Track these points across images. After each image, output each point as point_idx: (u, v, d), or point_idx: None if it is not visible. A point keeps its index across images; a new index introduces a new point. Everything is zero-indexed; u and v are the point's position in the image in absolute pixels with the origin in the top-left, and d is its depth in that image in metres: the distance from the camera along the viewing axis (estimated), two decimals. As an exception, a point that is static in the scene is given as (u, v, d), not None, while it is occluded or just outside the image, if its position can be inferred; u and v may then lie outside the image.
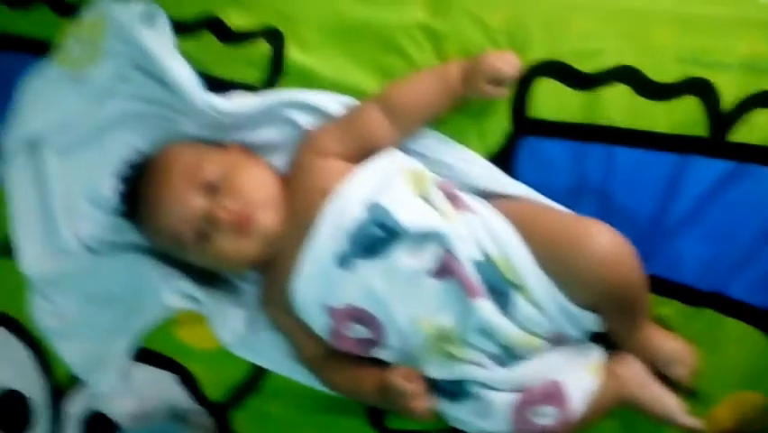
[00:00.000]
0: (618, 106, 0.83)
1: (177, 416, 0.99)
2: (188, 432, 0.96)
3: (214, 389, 0.98)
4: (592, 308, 0.79)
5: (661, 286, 0.83)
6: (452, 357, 0.78)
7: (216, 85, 0.93)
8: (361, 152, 0.84)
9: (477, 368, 0.78)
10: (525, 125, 0.85)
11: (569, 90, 0.84)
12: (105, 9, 0.94)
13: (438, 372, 0.80)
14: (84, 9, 0.98)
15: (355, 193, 0.80)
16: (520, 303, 0.77)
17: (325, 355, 0.87)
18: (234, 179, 0.82)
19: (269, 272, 0.87)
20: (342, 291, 0.79)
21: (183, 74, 0.91)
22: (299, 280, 0.81)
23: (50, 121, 0.97)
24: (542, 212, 0.82)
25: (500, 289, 0.77)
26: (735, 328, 0.82)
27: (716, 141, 0.81)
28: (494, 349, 0.78)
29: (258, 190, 0.83)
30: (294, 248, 0.81)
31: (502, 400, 0.78)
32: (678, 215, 0.82)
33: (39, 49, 1.01)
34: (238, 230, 0.81)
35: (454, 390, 0.80)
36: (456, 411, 0.82)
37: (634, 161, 0.83)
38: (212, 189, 0.82)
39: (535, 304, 0.77)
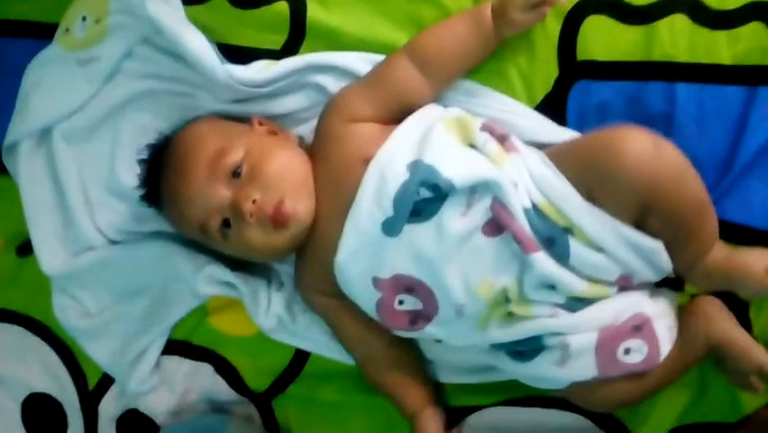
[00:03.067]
0: (677, 40, 0.75)
1: (217, 408, 0.94)
2: (232, 424, 0.90)
3: (256, 377, 0.92)
4: (649, 231, 0.70)
5: (732, 232, 0.75)
6: (515, 317, 0.71)
7: (234, 54, 0.86)
8: (396, 112, 0.77)
9: (546, 319, 0.70)
10: (575, 69, 0.78)
11: (621, 26, 0.76)
12: None
13: (503, 335, 0.72)
14: None
15: (395, 154, 0.72)
16: (578, 248, 0.69)
17: (370, 350, 0.81)
18: (261, 164, 0.75)
19: (306, 253, 0.80)
20: (390, 261, 0.72)
21: (198, 45, 0.83)
22: (344, 254, 0.73)
23: (58, 108, 0.91)
24: (574, 143, 0.74)
25: (554, 236, 0.69)
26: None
27: None
28: (560, 300, 0.71)
29: (288, 176, 0.75)
30: (334, 223, 0.74)
31: (584, 341, 0.71)
32: (749, 153, 0.74)
33: (43, 33, 0.94)
34: (271, 225, 0.74)
35: (526, 348, 0.72)
36: (532, 369, 0.74)
37: (697, 99, 0.75)
38: (237, 177, 0.75)
39: (593, 243, 0.69)
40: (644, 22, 0.75)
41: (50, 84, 0.91)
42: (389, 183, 0.71)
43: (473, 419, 0.86)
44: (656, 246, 0.69)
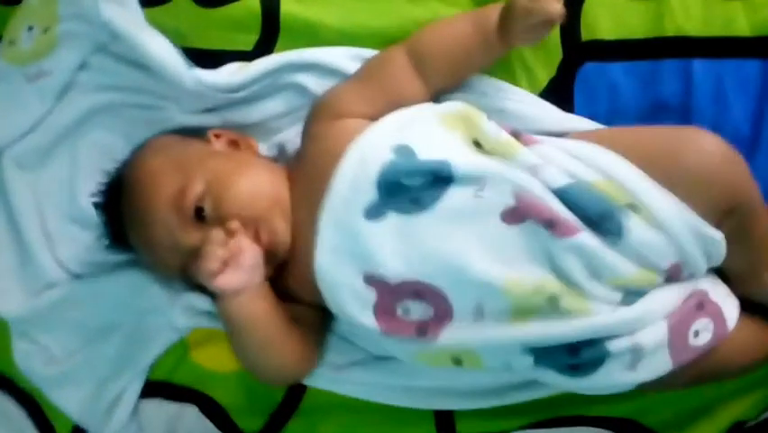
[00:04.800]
0: (690, 13, 0.72)
1: None
2: None
3: (248, 417, 0.84)
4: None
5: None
6: (561, 312, 0.63)
7: (202, 58, 0.80)
8: (388, 112, 0.71)
9: (607, 315, 0.63)
10: (581, 50, 0.73)
11: (628, 1, 0.72)
12: None
13: (548, 331, 0.63)
14: None
15: (378, 138, 0.67)
16: (637, 227, 0.63)
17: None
18: (225, 196, 0.69)
19: (285, 267, 0.73)
20: (382, 254, 0.64)
21: (160, 50, 0.78)
22: (323, 254, 0.66)
23: (7, 130, 0.85)
24: (626, 132, 0.69)
25: (605, 212, 0.62)
26: None
27: None
28: (610, 294, 0.64)
29: (255, 203, 0.70)
30: (310, 226, 0.67)
31: (656, 336, 0.64)
32: None
33: None
34: None
35: (585, 360, 0.64)
36: (595, 382, 0.66)
37: (715, 75, 0.72)
38: (203, 216, 0.70)
39: (657, 223, 0.63)
40: None
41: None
42: (370, 165, 0.65)
43: None
44: (718, 236, 0.65)
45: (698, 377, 0.70)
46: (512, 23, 0.67)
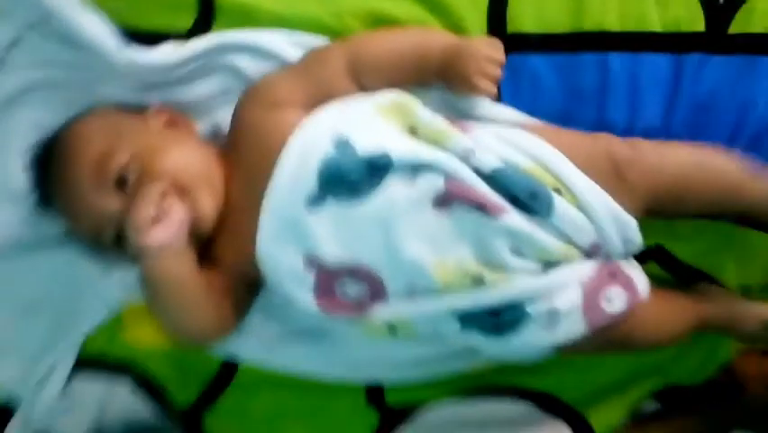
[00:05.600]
0: (607, 8, 0.74)
1: (138, 429, 0.86)
2: None
3: (181, 391, 0.86)
4: (656, 212, 0.72)
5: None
6: (484, 285, 0.66)
7: (138, 38, 0.78)
8: (321, 104, 0.72)
9: (527, 279, 0.67)
10: (506, 42, 0.74)
11: None
12: None
13: (474, 300, 0.67)
14: None
15: (319, 129, 0.69)
16: (564, 207, 0.67)
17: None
18: (151, 168, 0.70)
19: (216, 252, 0.73)
20: (321, 238, 0.66)
21: (93, 27, 0.77)
22: (265, 240, 0.68)
23: None
24: (554, 130, 0.73)
25: (535, 192, 0.66)
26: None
27: (715, 35, 0.73)
28: (531, 266, 0.67)
29: (183, 177, 0.70)
30: (251, 209, 0.69)
31: (569, 300, 0.68)
32: (682, 119, 0.74)
33: None
34: None
35: (505, 319, 0.68)
36: (515, 342, 0.70)
37: (630, 68, 0.74)
38: (125, 183, 0.70)
39: (582, 206, 0.68)
40: None
41: None
42: (312, 156, 0.67)
43: (419, 417, 0.83)
44: (633, 222, 0.70)
45: (614, 343, 0.73)
46: (458, 73, 0.69)
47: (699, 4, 0.73)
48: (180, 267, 0.69)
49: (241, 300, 0.76)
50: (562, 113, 0.75)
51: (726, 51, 0.73)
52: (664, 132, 0.74)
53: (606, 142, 0.71)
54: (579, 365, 0.81)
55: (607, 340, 0.72)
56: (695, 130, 0.74)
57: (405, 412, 0.84)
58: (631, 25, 0.74)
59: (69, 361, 0.84)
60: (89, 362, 0.85)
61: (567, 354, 0.73)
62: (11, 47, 0.81)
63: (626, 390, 0.84)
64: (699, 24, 0.73)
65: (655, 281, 0.75)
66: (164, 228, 0.67)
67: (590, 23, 0.74)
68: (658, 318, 0.74)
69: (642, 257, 0.76)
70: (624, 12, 0.74)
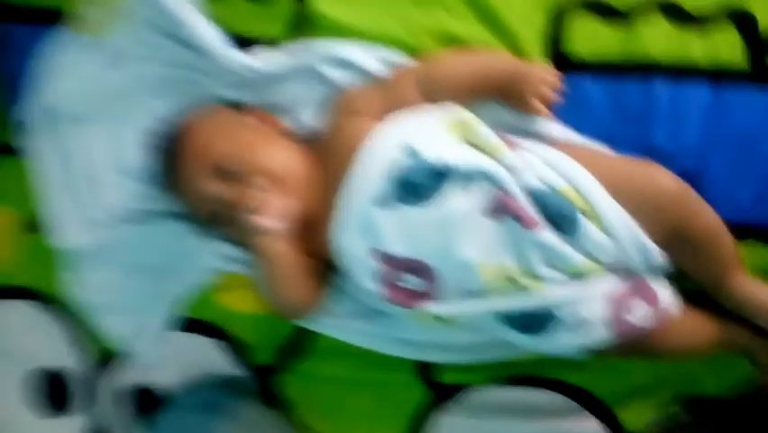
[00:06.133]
0: (655, 40, 0.80)
1: (223, 383, 0.96)
2: (236, 399, 0.93)
3: (261, 352, 0.95)
4: (665, 247, 0.77)
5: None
6: (521, 290, 0.74)
7: (240, 42, 0.88)
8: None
9: (556, 289, 0.74)
10: (560, 62, 0.81)
11: (604, 25, 0.81)
12: None
13: (511, 305, 0.75)
14: None
15: (390, 138, 0.77)
16: (589, 228, 0.74)
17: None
18: (248, 160, 0.80)
19: (306, 237, 0.82)
20: (388, 236, 0.75)
21: (207, 33, 0.87)
22: (340, 228, 0.78)
23: (71, 90, 0.93)
24: (599, 154, 0.80)
25: (567, 214, 0.73)
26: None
27: (756, 69, 0.78)
28: (560, 277, 0.75)
29: (277, 172, 0.80)
30: (330, 203, 0.78)
31: (593, 310, 0.75)
32: (720, 147, 0.79)
33: (52, 19, 0.95)
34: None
35: (538, 322, 0.75)
36: (541, 341, 0.78)
37: (672, 94, 0.80)
38: (227, 173, 0.80)
39: (606, 229, 0.74)
40: (625, 21, 0.80)
41: (63, 65, 0.92)
42: (382, 161, 0.75)
43: (465, 397, 0.90)
44: (654, 247, 0.76)
45: (640, 351, 0.80)
46: (517, 94, 0.77)
47: (740, 39, 0.78)
48: (282, 247, 0.78)
49: (322, 281, 0.85)
50: (608, 132, 0.80)
51: (765, 84, 0.78)
52: (702, 156, 0.79)
53: (651, 172, 0.76)
54: (612, 365, 0.85)
55: (632, 347, 0.78)
56: (733, 157, 0.79)
57: (452, 391, 0.90)
58: (675, 55, 0.79)
59: (170, 318, 0.94)
60: (187, 321, 0.94)
61: (598, 355, 0.79)
62: (135, 43, 0.90)
63: (656, 392, 0.87)
64: (739, 57, 0.78)
65: (686, 296, 0.80)
66: (272, 214, 0.77)
67: (638, 50, 0.80)
68: (682, 332, 0.79)
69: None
70: (669, 42, 0.79)
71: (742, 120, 0.78)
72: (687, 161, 0.79)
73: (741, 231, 0.80)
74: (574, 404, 0.88)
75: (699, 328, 0.81)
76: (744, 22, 0.78)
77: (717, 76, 0.79)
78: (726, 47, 0.78)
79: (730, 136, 0.79)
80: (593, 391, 0.88)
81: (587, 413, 0.88)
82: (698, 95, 0.79)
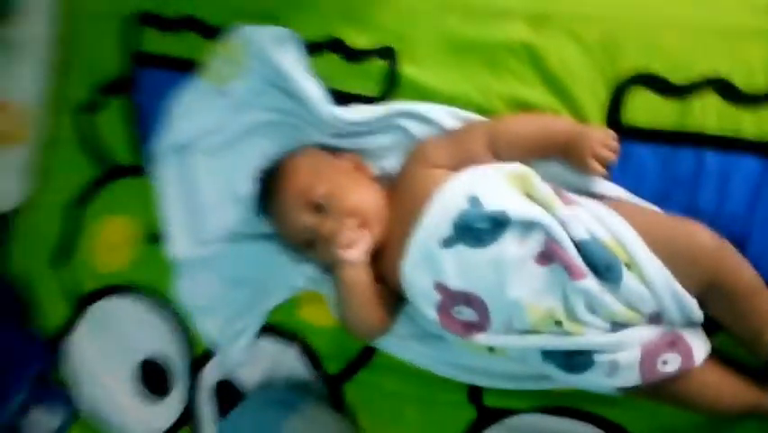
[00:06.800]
0: (709, 114, 0.83)
1: (296, 385, 1.04)
2: (305, 400, 1.00)
3: (331, 362, 1.03)
4: (704, 301, 0.79)
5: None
6: (564, 332, 0.79)
7: (339, 97, 0.98)
8: (464, 167, 0.87)
9: (596, 335, 0.78)
10: (620, 131, 0.86)
11: (661, 99, 0.85)
12: (247, 33, 1.02)
13: (554, 344, 0.80)
14: (226, 32, 1.05)
15: (458, 188, 0.83)
16: (630, 279, 0.77)
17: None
18: (341, 200, 0.88)
19: (378, 267, 0.90)
20: (449, 272, 0.81)
21: (311, 88, 0.97)
22: (408, 262, 0.84)
23: (200, 128, 1.05)
24: (646, 210, 0.83)
25: (610, 265, 0.77)
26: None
27: None
28: (600, 324, 0.78)
29: (360, 212, 0.88)
30: (401, 240, 0.85)
31: (628, 357, 0.78)
32: (763, 217, 0.82)
33: (185, 67, 1.09)
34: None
35: (577, 362, 0.80)
36: (579, 379, 0.82)
37: (722, 165, 0.83)
38: (320, 208, 0.88)
39: (646, 281, 0.77)
40: (681, 96, 0.84)
41: (193, 108, 1.05)
42: (450, 208, 0.81)
43: (509, 421, 0.94)
44: (690, 300, 0.78)
45: (674, 399, 0.82)
46: (576, 154, 0.82)
47: None
48: (363, 277, 0.86)
49: (391, 308, 0.91)
50: (658, 195, 0.84)
51: None
52: (747, 223, 0.81)
53: (692, 229, 0.79)
54: (648, 404, 0.86)
55: (666, 395, 0.80)
56: None
57: (497, 414, 0.94)
58: (727, 128, 0.82)
59: (257, 325, 1.04)
60: (271, 328, 1.04)
61: (628, 394, 0.82)
62: (253, 94, 1.02)
63: None
64: None
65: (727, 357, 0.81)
66: (356, 250, 0.85)
67: (691, 123, 0.83)
68: (716, 388, 0.80)
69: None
70: (721, 116, 0.82)
71: None
72: (732, 225, 0.81)
73: None
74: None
75: (731, 387, 0.81)
76: None
77: (765, 150, 0.81)
78: None
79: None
80: (627, 427, 0.89)
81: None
82: (746, 166, 0.81)
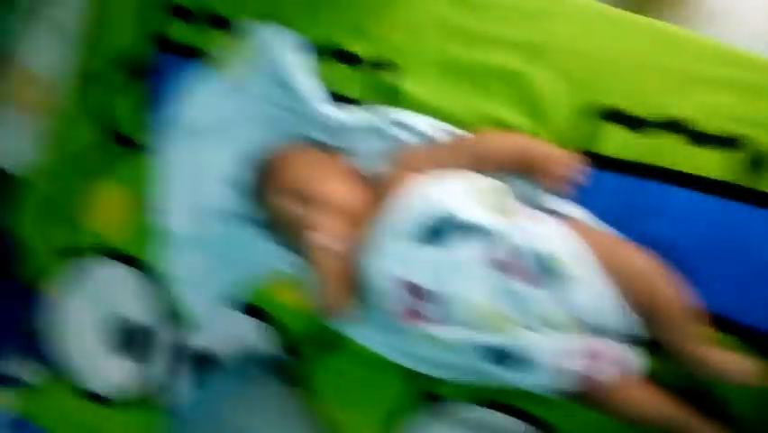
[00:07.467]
0: (672, 151, 0.86)
1: (266, 360, 1.07)
2: (270, 374, 1.03)
3: (300, 343, 1.05)
4: (642, 318, 0.83)
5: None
6: (505, 331, 0.82)
7: (336, 100, 1.01)
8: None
9: (536, 338, 0.81)
10: (591, 159, 0.90)
11: (632, 134, 0.88)
12: (261, 36, 1.06)
13: (499, 343, 0.82)
14: (235, 25, 1.09)
15: (433, 193, 0.85)
16: (575, 292, 0.81)
17: None
18: (327, 194, 0.91)
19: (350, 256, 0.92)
20: (413, 269, 0.84)
21: (309, 86, 0.99)
22: (369, 252, 0.87)
23: (212, 115, 1.08)
24: (601, 232, 0.87)
25: (558, 276, 0.80)
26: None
27: (754, 189, 0.84)
28: (546, 330, 0.81)
29: (345, 207, 0.90)
30: (375, 236, 0.88)
31: (566, 363, 0.81)
32: (716, 253, 0.86)
33: (194, 54, 1.12)
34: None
35: (518, 362, 0.83)
36: (519, 378, 0.85)
37: (683, 201, 0.86)
38: (307, 199, 0.92)
39: (589, 294, 0.80)
40: (651, 133, 0.88)
41: (203, 95, 1.08)
42: (420, 210, 0.84)
43: (443, 408, 0.97)
44: (630, 319, 0.82)
45: (600, 407, 0.85)
46: (546, 173, 0.86)
47: (744, 163, 0.84)
48: (332, 262, 0.88)
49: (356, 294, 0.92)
50: (618, 221, 0.87)
51: (759, 204, 0.83)
52: (696, 254, 0.85)
53: (635, 254, 0.82)
54: (580, 408, 0.87)
55: (596, 403, 0.83)
56: (721, 259, 0.85)
57: (437, 402, 0.97)
58: (688, 167, 0.86)
59: (237, 302, 1.06)
60: (248, 305, 1.05)
61: (562, 396, 0.84)
62: (254, 84, 1.04)
63: None
64: (740, 179, 0.84)
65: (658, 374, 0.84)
66: (337, 240, 0.87)
67: (657, 159, 0.86)
68: (643, 405, 0.83)
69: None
70: (686, 156, 0.85)
71: (736, 229, 0.84)
72: (684, 256, 0.85)
73: (721, 323, 0.85)
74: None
75: (655, 405, 0.83)
76: (751, 150, 0.84)
77: (720, 189, 0.84)
78: (732, 167, 0.84)
79: (724, 242, 0.84)
80: (558, 427, 0.91)
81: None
82: (704, 202, 0.85)
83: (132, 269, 1.15)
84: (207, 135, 1.07)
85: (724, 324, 0.86)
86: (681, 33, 0.89)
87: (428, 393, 0.98)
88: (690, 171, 0.85)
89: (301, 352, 1.04)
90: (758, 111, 0.84)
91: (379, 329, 0.95)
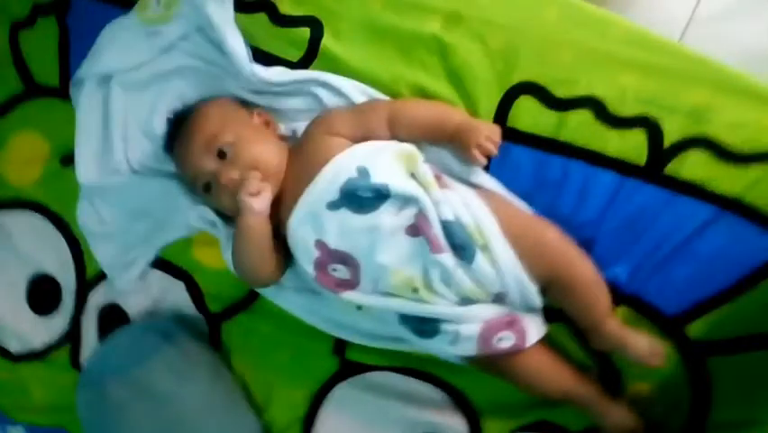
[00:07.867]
0: (580, 129, 0.88)
1: (178, 319, 1.06)
2: (184, 333, 1.03)
3: (214, 302, 1.05)
4: (549, 291, 0.85)
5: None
6: (419, 300, 0.84)
7: (262, 57, 1.00)
8: (364, 139, 0.90)
9: (446, 307, 0.83)
10: (503, 131, 0.91)
11: (543, 108, 0.90)
12: None
13: (408, 309, 0.84)
14: None
15: (351, 159, 0.86)
16: (482, 261, 0.82)
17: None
18: (244, 151, 0.89)
19: (272, 221, 0.92)
20: (330, 232, 0.84)
21: (236, 43, 0.98)
22: (294, 218, 0.87)
23: (124, 62, 1.05)
24: (511, 204, 0.89)
25: (466, 246, 0.82)
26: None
27: (651, 170, 0.87)
28: (451, 297, 0.83)
29: (261, 165, 0.88)
30: (294, 198, 0.87)
31: (469, 330, 0.83)
32: (611, 226, 0.89)
33: (120, 2, 1.09)
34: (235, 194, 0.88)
35: (428, 328, 0.85)
36: (431, 345, 0.87)
37: (584, 176, 0.89)
38: (223, 155, 0.89)
39: (494, 264, 0.83)
40: (561, 109, 0.89)
41: (121, 43, 1.05)
42: (341, 177, 0.84)
43: (367, 376, 1.00)
44: (533, 288, 0.85)
45: (502, 374, 0.88)
46: (463, 145, 0.86)
47: (646, 145, 0.86)
48: (262, 226, 0.87)
49: (283, 260, 0.92)
50: (527, 193, 0.90)
51: (658, 184, 0.86)
52: (595, 229, 0.88)
53: (543, 226, 0.85)
54: (490, 377, 0.91)
55: (498, 369, 0.86)
56: (619, 236, 0.88)
57: (357, 368, 0.99)
58: (594, 145, 0.88)
59: (150, 257, 1.05)
60: (163, 263, 1.05)
61: (469, 363, 0.87)
62: (181, 38, 1.03)
63: (522, 413, 0.93)
64: (642, 159, 0.87)
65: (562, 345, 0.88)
66: (260, 200, 0.86)
67: (566, 134, 0.89)
68: (541, 371, 0.87)
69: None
70: (592, 134, 0.88)
71: (632, 206, 0.87)
72: (584, 230, 0.87)
73: (618, 297, 0.88)
74: (449, 402, 0.95)
75: (553, 373, 0.87)
76: (654, 132, 0.87)
77: (623, 168, 0.87)
78: (635, 148, 0.87)
79: (620, 217, 0.87)
80: (468, 395, 0.95)
81: (458, 413, 0.95)
82: (605, 180, 0.87)
83: (49, 220, 1.13)
84: (124, 85, 1.06)
85: (620, 299, 0.90)
86: (598, 13, 0.91)
87: (350, 362, 1.00)
88: (596, 150, 0.88)
89: (218, 311, 1.06)
90: (666, 94, 0.87)
91: (302, 294, 0.97)
